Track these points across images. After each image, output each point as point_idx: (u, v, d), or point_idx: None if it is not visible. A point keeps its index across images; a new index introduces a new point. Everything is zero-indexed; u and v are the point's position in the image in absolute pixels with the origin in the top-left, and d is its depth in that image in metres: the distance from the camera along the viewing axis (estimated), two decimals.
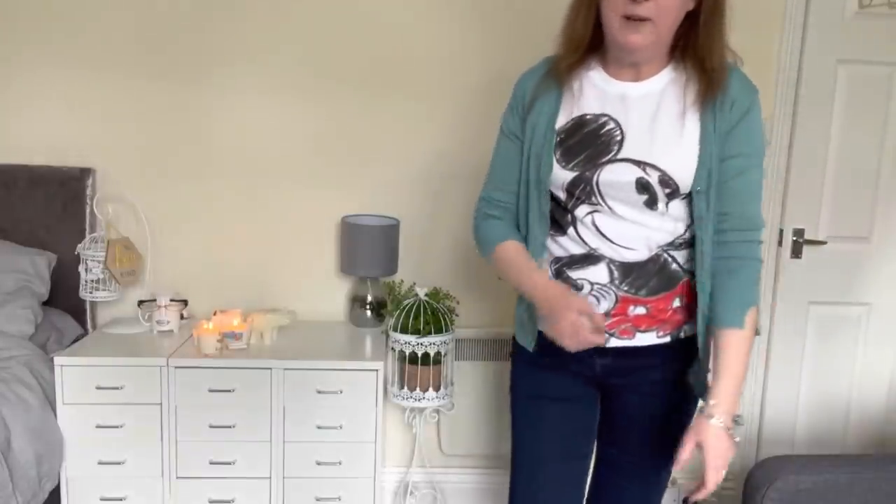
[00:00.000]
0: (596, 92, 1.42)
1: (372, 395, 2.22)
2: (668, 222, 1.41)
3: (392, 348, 2.26)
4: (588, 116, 1.41)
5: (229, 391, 2.19)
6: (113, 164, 2.52)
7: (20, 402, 2.00)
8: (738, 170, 1.38)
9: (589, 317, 1.34)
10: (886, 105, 2.54)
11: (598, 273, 1.43)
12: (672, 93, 1.38)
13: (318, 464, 2.24)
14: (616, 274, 1.42)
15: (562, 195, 1.44)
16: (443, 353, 2.23)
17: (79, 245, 2.37)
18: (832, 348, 2.68)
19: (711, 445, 1.40)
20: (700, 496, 1.39)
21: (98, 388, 2.15)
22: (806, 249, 2.61)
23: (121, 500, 2.22)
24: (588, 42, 1.40)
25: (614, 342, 1.45)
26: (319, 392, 2.20)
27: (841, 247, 2.62)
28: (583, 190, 1.41)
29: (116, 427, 2.17)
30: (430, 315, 2.21)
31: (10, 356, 2.10)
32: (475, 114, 2.47)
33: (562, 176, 1.42)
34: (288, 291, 2.60)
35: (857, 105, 2.54)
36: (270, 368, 2.19)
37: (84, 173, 2.47)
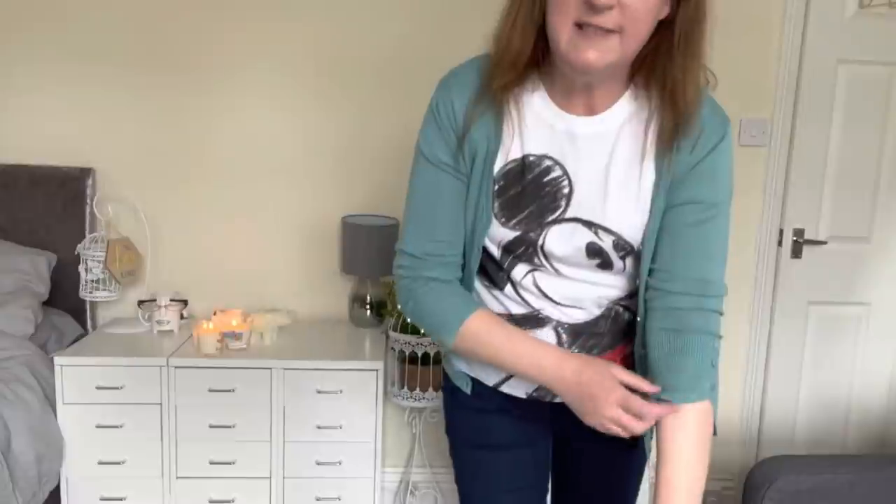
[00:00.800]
0: (539, 124, 1.09)
1: (372, 395, 2.22)
2: (623, 279, 1.16)
3: (392, 348, 2.26)
4: (531, 158, 1.09)
5: (229, 391, 2.19)
6: (113, 164, 2.52)
7: (20, 402, 2.01)
8: (697, 219, 1.09)
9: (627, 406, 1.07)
10: (886, 105, 2.54)
11: (545, 337, 1.18)
12: (630, 131, 1.08)
13: (318, 464, 2.24)
14: (565, 337, 1.18)
15: (496, 252, 1.16)
16: (443, 354, 2.23)
17: (79, 245, 2.37)
18: (832, 348, 2.68)
19: None
20: None
21: (98, 388, 2.15)
22: (806, 249, 2.61)
23: (121, 500, 2.22)
24: (529, 55, 1.04)
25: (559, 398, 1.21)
26: (319, 392, 2.20)
27: (841, 247, 2.62)
28: (524, 251, 1.14)
29: (116, 427, 2.17)
30: None
31: (10, 356, 2.10)
32: None
33: (500, 234, 1.13)
34: (288, 291, 2.60)
35: (857, 105, 2.54)
36: (270, 368, 2.19)
37: (84, 173, 2.47)
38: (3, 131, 2.50)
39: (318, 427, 2.22)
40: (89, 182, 2.47)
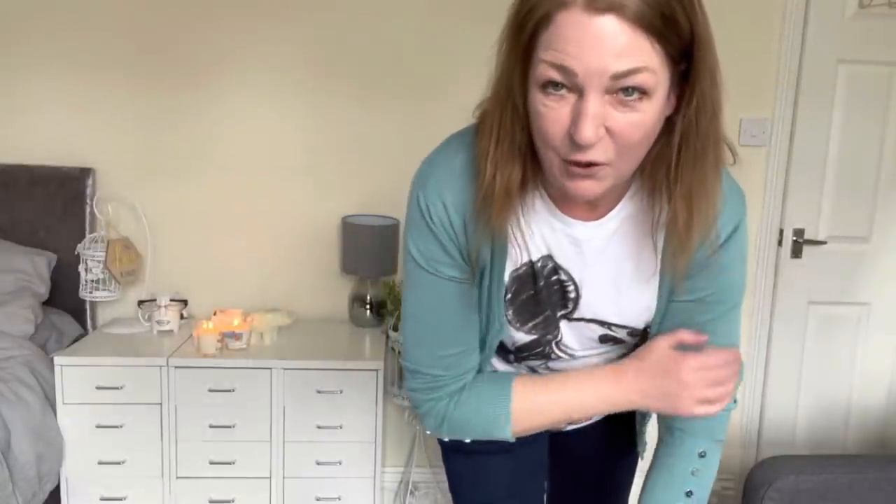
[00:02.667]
0: (543, 227, 0.98)
1: (372, 395, 2.22)
2: (630, 347, 1.12)
3: (392, 348, 2.26)
4: (538, 264, 1.00)
5: (229, 391, 2.19)
6: (113, 164, 2.52)
7: (20, 402, 2.01)
8: (710, 318, 1.02)
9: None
10: (886, 105, 2.54)
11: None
12: (635, 226, 0.98)
13: (318, 464, 2.24)
14: None
15: (510, 348, 1.10)
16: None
17: (79, 245, 2.37)
18: (832, 348, 2.68)
19: None
20: None
21: (98, 388, 2.15)
22: (806, 249, 2.61)
23: (121, 500, 2.22)
24: (521, 175, 0.91)
25: (570, 426, 1.23)
26: (319, 392, 2.20)
27: (841, 247, 2.62)
28: (540, 351, 1.09)
29: (116, 427, 2.17)
30: None
31: (10, 356, 2.10)
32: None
33: (516, 338, 1.07)
34: (288, 291, 2.60)
35: (857, 105, 2.54)
36: (270, 368, 2.19)
37: (84, 173, 2.47)
38: (3, 131, 2.50)
39: (318, 427, 2.22)
40: (89, 182, 2.47)
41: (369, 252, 2.44)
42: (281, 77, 2.50)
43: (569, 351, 1.09)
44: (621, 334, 1.06)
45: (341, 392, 2.21)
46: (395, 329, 2.22)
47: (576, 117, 0.78)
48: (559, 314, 1.04)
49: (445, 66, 2.51)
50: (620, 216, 0.97)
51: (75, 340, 2.37)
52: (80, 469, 2.19)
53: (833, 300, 2.65)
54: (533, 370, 1.13)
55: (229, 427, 2.20)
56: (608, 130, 0.79)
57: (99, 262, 2.34)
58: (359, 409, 2.22)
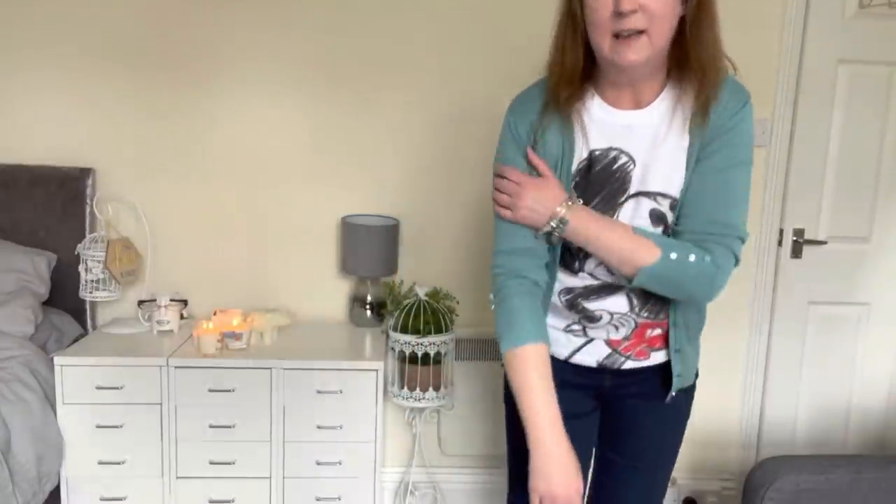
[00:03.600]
0: (599, 125, 1.29)
1: (372, 395, 2.22)
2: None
3: (392, 348, 2.26)
4: (597, 152, 1.29)
5: (229, 391, 2.19)
6: (113, 164, 2.52)
7: (20, 402, 2.01)
8: (718, 167, 1.25)
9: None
10: (886, 105, 2.54)
11: (618, 303, 1.36)
12: (672, 114, 1.28)
13: (318, 464, 2.24)
14: (636, 302, 1.36)
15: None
16: (443, 353, 2.23)
17: (79, 245, 2.37)
18: (832, 348, 2.68)
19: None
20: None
21: (98, 388, 2.15)
22: (806, 249, 2.61)
23: (121, 500, 2.22)
24: (582, 70, 1.26)
25: (630, 364, 1.42)
26: (319, 392, 2.20)
27: (841, 247, 2.62)
28: None
29: (116, 427, 2.18)
30: (430, 315, 2.21)
31: (10, 356, 2.10)
32: (475, 114, 2.47)
33: None
34: (288, 291, 2.61)
35: (857, 105, 2.54)
36: (270, 368, 2.19)
37: (84, 173, 2.47)
38: (3, 131, 2.50)
39: (318, 427, 2.22)
40: (89, 182, 2.47)
41: (369, 252, 2.44)
42: (281, 77, 2.51)
43: None
44: (665, 207, 1.29)
45: (341, 392, 2.21)
46: (396, 329, 2.23)
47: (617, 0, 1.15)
48: (620, 200, 1.30)
49: (445, 66, 2.51)
50: (660, 106, 1.28)
51: (75, 340, 2.37)
52: (80, 469, 2.19)
53: (833, 300, 2.65)
54: (594, 277, 1.35)
55: (229, 427, 2.20)
56: (641, 7, 1.15)
57: (99, 262, 2.34)
58: (359, 409, 2.22)
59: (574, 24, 1.23)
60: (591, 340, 1.42)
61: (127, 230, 2.48)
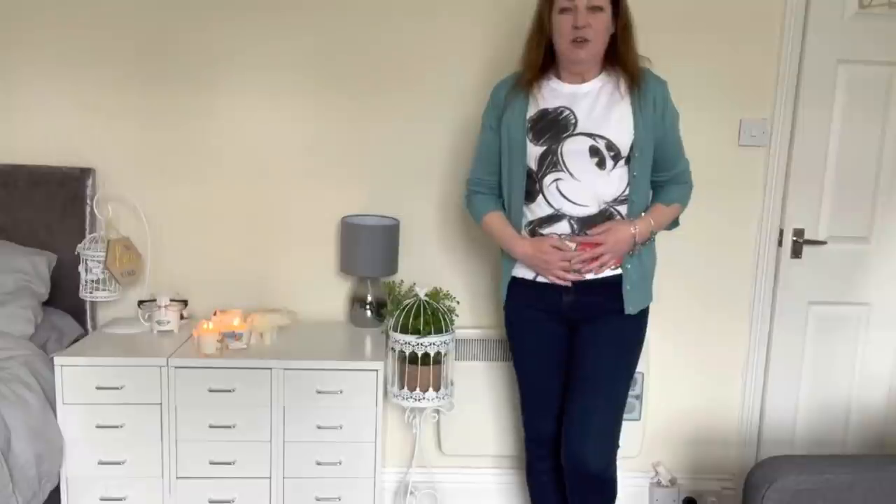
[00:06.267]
0: (553, 93, 1.96)
1: (372, 395, 2.22)
2: (613, 183, 1.92)
3: (392, 348, 2.26)
4: (549, 109, 1.94)
5: (229, 391, 2.19)
6: (113, 164, 2.53)
7: (20, 402, 2.01)
8: (669, 131, 1.97)
9: (561, 245, 1.91)
10: (886, 105, 2.54)
11: (562, 227, 1.94)
12: (607, 89, 1.94)
13: (318, 464, 2.24)
14: (576, 227, 1.93)
15: (534, 166, 1.94)
16: (443, 353, 2.23)
17: (79, 245, 2.37)
18: (832, 348, 2.68)
19: (614, 229, 1.91)
20: (588, 266, 1.92)
21: (98, 388, 2.15)
22: (806, 249, 2.61)
23: (121, 500, 2.22)
24: (541, 63, 1.95)
25: (589, 276, 1.94)
26: (319, 392, 2.20)
27: (841, 247, 2.62)
28: (550, 160, 1.92)
29: (116, 427, 2.18)
30: (430, 315, 2.21)
31: (10, 356, 2.10)
32: (475, 114, 2.47)
33: (534, 151, 1.94)
34: (288, 291, 2.61)
35: (857, 105, 2.54)
36: (270, 368, 2.19)
37: (84, 173, 2.47)
38: (3, 131, 2.50)
39: (318, 427, 2.22)
40: (89, 182, 2.47)
41: (369, 252, 2.44)
42: (281, 77, 2.51)
43: (569, 165, 1.91)
44: (601, 145, 1.90)
45: (341, 392, 2.21)
46: (396, 329, 2.23)
47: (575, 19, 1.85)
48: (563, 135, 1.92)
49: (445, 66, 2.51)
50: (597, 81, 1.95)
51: (75, 340, 2.37)
52: (80, 469, 2.19)
53: (833, 300, 2.65)
54: (550, 204, 1.95)
55: (229, 427, 2.20)
56: (589, 25, 1.84)
57: (99, 262, 2.34)
58: (359, 409, 2.22)
59: (541, 32, 1.93)
60: None
61: (127, 230, 2.48)
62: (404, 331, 2.21)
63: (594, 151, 1.90)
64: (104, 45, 2.47)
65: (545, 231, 1.94)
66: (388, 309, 2.38)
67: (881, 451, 2.73)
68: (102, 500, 2.21)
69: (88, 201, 2.47)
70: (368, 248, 2.45)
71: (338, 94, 2.52)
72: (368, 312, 2.53)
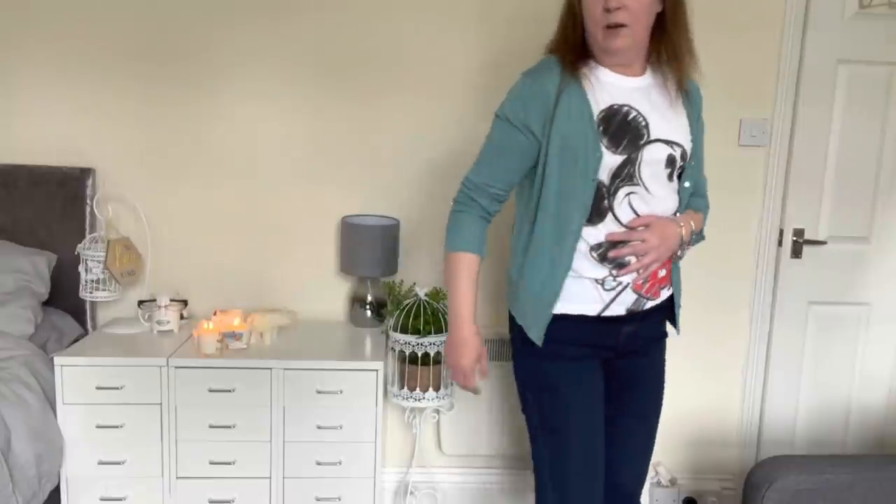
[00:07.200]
0: (609, 87, 1.56)
1: (372, 395, 2.22)
2: (675, 193, 1.62)
3: (392, 348, 2.26)
4: (615, 106, 1.54)
5: (229, 391, 2.19)
6: (113, 164, 2.53)
7: (20, 402, 2.01)
8: (700, 136, 1.67)
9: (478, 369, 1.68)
10: (886, 105, 2.54)
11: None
12: (658, 87, 1.60)
13: (318, 464, 2.24)
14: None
15: (606, 180, 1.54)
16: (443, 353, 2.23)
17: (79, 245, 2.37)
18: (832, 348, 2.68)
19: (660, 224, 1.57)
20: (630, 269, 1.58)
21: (98, 388, 2.15)
22: (806, 249, 2.61)
23: (121, 500, 2.22)
24: (581, 44, 1.56)
25: (649, 304, 1.64)
26: (319, 392, 2.20)
27: (841, 247, 2.62)
28: (627, 172, 1.54)
29: (116, 427, 2.18)
30: (430, 315, 2.21)
31: (10, 356, 2.10)
32: (475, 114, 2.47)
33: (611, 161, 1.53)
34: (288, 291, 2.61)
35: (857, 105, 2.54)
36: (270, 368, 2.19)
37: (84, 173, 2.47)
38: (3, 131, 2.50)
39: (318, 427, 2.22)
40: (89, 182, 2.47)
41: (369, 252, 2.44)
42: (281, 77, 2.51)
43: (645, 179, 1.55)
44: (678, 153, 1.58)
45: (341, 392, 2.21)
46: (396, 329, 2.23)
47: (606, 0, 1.47)
48: (641, 143, 1.54)
49: (445, 66, 2.51)
50: (647, 78, 1.60)
51: (75, 340, 2.37)
52: (80, 469, 2.19)
53: (833, 300, 2.65)
54: (619, 222, 1.57)
55: (229, 427, 2.20)
56: (624, 6, 1.47)
57: (99, 262, 2.34)
58: (359, 409, 2.22)
59: (574, 18, 1.55)
60: (623, 289, 1.59)
61: (127, 230, 2.48)
62: (404, 331, 2.21)
63: (670, 161, 1.57)
64: (104, 45, 2.47)
65: (622, 253, 1.56)
66: (388, 309, 2.38)
67: (881, 451, 2.73)
68: (102, 500, 2.21)
69: (88, 201, 2.47)
70: (368, 248, 2.45)
71: (338, 94, 2.52)
72: (368, 312, 2.53)
